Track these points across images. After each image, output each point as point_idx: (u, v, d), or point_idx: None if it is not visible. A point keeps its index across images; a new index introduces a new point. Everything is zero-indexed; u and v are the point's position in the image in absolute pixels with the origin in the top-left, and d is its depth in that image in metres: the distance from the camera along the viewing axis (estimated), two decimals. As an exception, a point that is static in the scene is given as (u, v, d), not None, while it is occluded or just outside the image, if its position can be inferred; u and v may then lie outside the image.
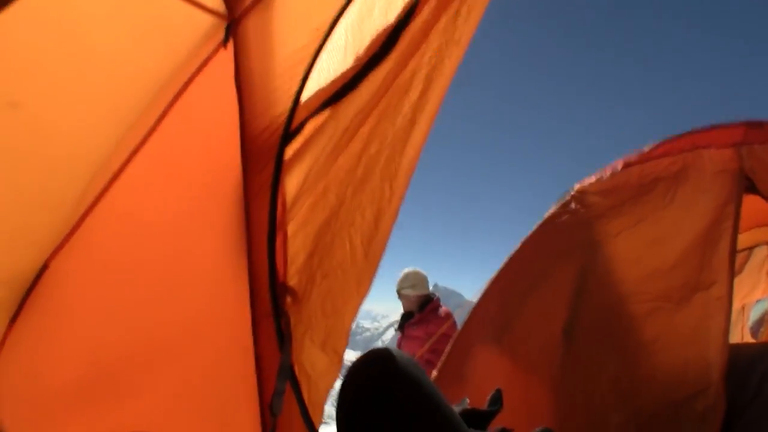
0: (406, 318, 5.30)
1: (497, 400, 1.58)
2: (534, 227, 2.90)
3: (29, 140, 1.82)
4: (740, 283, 4.52)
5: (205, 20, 1.94)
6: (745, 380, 2.55)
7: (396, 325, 5.47)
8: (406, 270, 5.37)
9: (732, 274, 2.52)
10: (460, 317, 4.03)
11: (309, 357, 2.26)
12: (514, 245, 2.94)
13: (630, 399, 2.49)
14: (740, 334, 4.71)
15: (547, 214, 2.91)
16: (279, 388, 2.08)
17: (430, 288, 5.34)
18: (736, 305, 4.60)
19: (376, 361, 1.27)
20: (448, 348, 2.81)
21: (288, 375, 2.14)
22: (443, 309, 5.12)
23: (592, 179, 2.83)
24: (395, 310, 5.29)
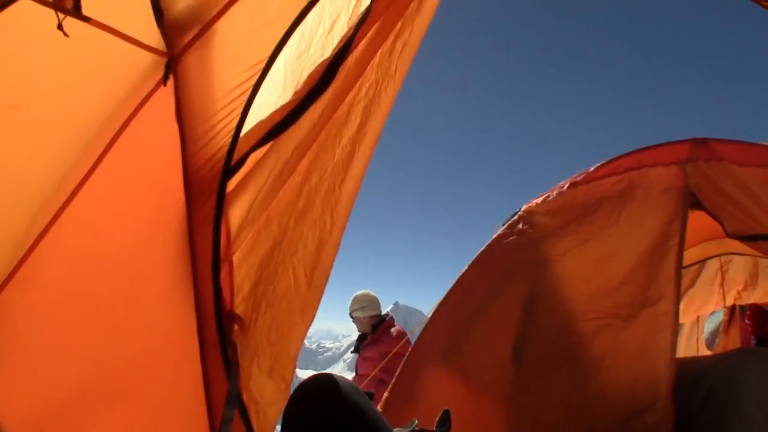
0: (361, 339, 5.40)
1: (445, 420, 1.61)
2: (482, 248, 2.94)
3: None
4: (693, 296, 4.59)
5: (146, 57, 1.97)
6: (692, 394, 2.60)
7: (352, 349, 5.56)
8: (356, 293, 5.51)
9: (678, 289, 2.57)
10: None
11: (257, 384, 2.30)
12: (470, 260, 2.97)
13: (581, 415, 2.53)
14: (695, 345, 4.78)
15: (494, 235, 2.94)
16: (227, 416, 2.11)
17: (390, 307, 5.41)
18: (691, 317, 4.65)
19: (317, 387, 1.30)
20: (399, 368, 2.83)
21: (236, 402, 2.17)
22: (395, 328, 5.22)
23: (539, 199, 2.86)
24: (356, 331, 5.35)
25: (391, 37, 2.12)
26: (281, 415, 2.32)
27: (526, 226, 2.83)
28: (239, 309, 2.27)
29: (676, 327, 2.53)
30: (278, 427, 2.39)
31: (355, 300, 5.42)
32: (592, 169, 2.79)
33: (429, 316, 3.07)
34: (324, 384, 1.33)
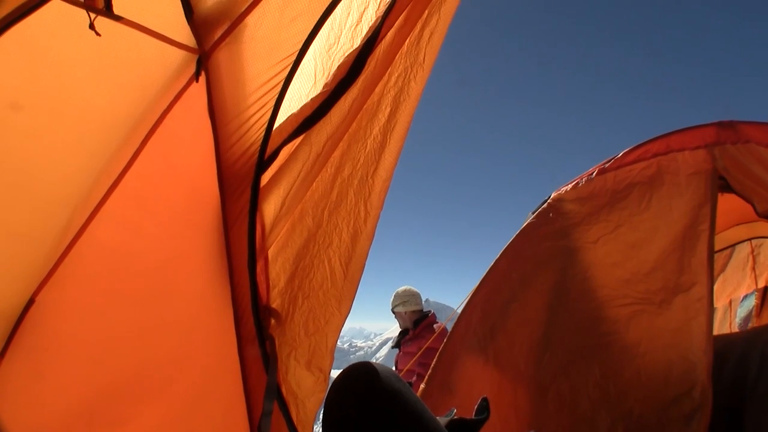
0: (403, 335, 5.41)
1: (484, 408, 1.60)
2: (513, 237, 2.94)
3: (11, 177, 1.87)
4: (726, 281, 4.58)
5: (177, 54, 1.99)
6: (745, 363, 2.56)
7: (390, 343, 5.58)
8: (398, 289, 5.53)
9: (711, 275, 2.55)
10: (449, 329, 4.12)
11: (295, 377, 2.30)
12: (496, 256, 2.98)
13: (617, 401, 2.52)
14: (728, 329, 4.75)
15: (525, 224, 2.95)
16: (267, 409, 2.11)
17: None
18: (724, 301, 4.64)
19: (357, 375, 1.30)
20: (435, 359, 2.84)
21: (275, 395, 2.17)
22: (438, 325, 5.23)
23: (568, 187, 2.86)
24: (388, 329, 5.40)
25: (419, 26, 2.13)
26: (321, 406, 2.33)
27: (555, 214, 2.83)
28: (275, 303, 2.28)
29: (711, 312, 2.51)
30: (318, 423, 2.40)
31: (397, 296, 5.45)
32: (620, 155, 2.79)
33: (458, 311, 3.07)
34: (365, 371, 1.33)
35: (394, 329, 5.53)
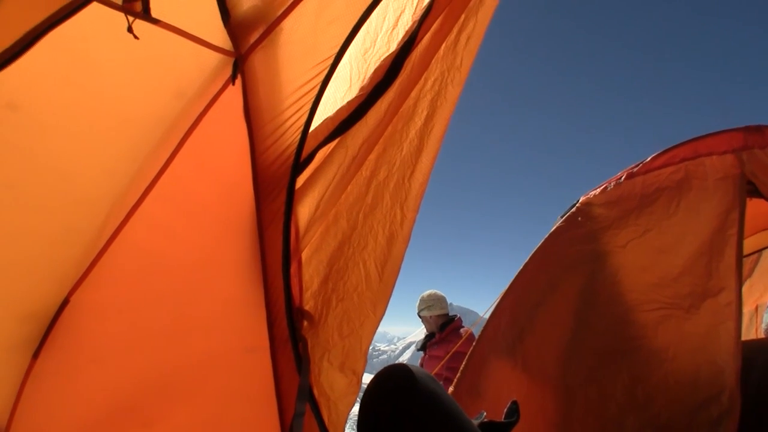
0: (428, 338, 5.41)
1: (514, 411, 1.61)
2: (541, 241, 2.94)
3: (50, 180, 1.89)
4: (752, 286, 4.55)
5: (213, 57, 2.00)
6: None
7: (414, 346, 5.58)
8: (423, 293, 5.53)
9: (740, 280, 2.54)
10: (475, 334, 4.11)
11: (327, 379, 2.31)
12: (524, 260, 2.98)
13: (645, 406, 2.51)
14: (754, 335, 4.73)
15: (553, 228, 2.94)
16: (299, 410, 2.12)
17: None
18: (750, 307, 4.61)
19: (394, 376, 1.31)
20: (463, 363, 2.84)
21: (307, 397, 2.18)
22: (464, 329, 5.24)
23: (597, 191, 2.86)
24: (411, 333, 5.39)
25: (455, 30, 2.14)
26: (352, 408, 2.34)
27: (584, 218, 2.82)
28: (308, 305, 2.29)
29: (740, 318, 2.50)
30: (348, 424, 2.41)
31: (422, 300, 5.44)
32: (648, 159, 2.78)
33: (484, 316, 3.06)
34: (402, 373, 1.34)
35: (417, 333, 5.54)
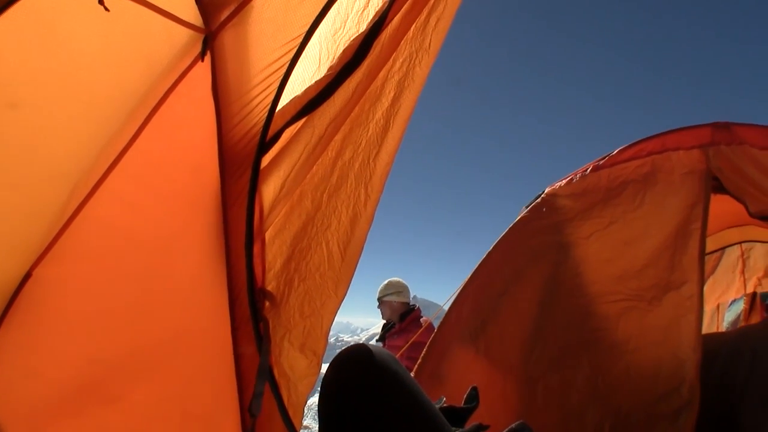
0: (387, 328, 5.38)
1: (474, 397, 1.61)
2: (506, 230, 2.95)
3: (14, 151, 1.87)
4: (714, 284, 4.62)
5: (183, 33, 1.99)
6: (736, 359, 2.59)
7: (376, 338, 5.55)
8: (389, 279, 5.51)
9: (702, 273, 2.58)
10: (435, 325, 4.12)
11: (288, 359, 2.31)
12: (487, 250, 2.99)
13: (606, 396, 2.54)
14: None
15: (518, 217, 2.96)
16: (258, 390, 2.12)
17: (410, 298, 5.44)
18: (711, 305, 4.68)
19: (355, 355, 1.30)
20: (425, 349, 2.84)
21: (267, 377, 2.18)
22: (424, 319, 5.21)
23: (562, 182, 2.88)
24: (375, 324, 5.36)
25: (425, 12, 2.15)
26: (312, 389, 2.34)
27: (549, 209, 2.85)
28: (271, 285, 2.28)
29: (701, 311, 2.53)
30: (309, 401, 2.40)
31: (390, 284, 5.43)
32: (615, 152, 2.81)
33: (444, 308, 3.06)
34: (362, 352, 1.34)
35: (380, 324, 5.50)
